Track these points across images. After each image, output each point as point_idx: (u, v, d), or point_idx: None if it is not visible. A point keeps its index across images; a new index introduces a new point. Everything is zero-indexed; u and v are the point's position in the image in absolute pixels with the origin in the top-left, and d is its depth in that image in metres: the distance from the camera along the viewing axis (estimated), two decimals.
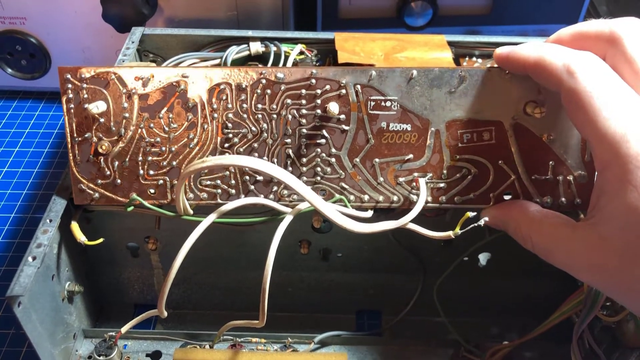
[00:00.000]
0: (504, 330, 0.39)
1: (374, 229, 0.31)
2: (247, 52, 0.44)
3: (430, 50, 0.43)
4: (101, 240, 0.33)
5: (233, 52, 0.44)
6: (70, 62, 0.53)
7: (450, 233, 0.30)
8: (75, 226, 0.33)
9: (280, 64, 0.43)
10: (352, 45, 0.43)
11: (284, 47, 0.44)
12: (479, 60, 0.44)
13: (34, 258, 0.30)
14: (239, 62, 0.44)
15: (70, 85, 0.32)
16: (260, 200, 0.32)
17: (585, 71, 0.26)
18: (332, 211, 0.30)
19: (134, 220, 0.35)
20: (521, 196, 0.32)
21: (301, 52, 0.44)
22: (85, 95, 0.32)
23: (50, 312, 0.32)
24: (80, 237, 0.32)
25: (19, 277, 0.29)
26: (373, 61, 0.41)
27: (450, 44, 0.43)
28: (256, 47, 0.44)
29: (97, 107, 0.31)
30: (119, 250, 0.37)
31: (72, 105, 0.32)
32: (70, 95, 0.32)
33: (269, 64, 0.43)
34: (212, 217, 0.31)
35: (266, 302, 0.30)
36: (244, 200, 0.32)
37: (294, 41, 0.44)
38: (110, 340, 0.35)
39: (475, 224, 0.29)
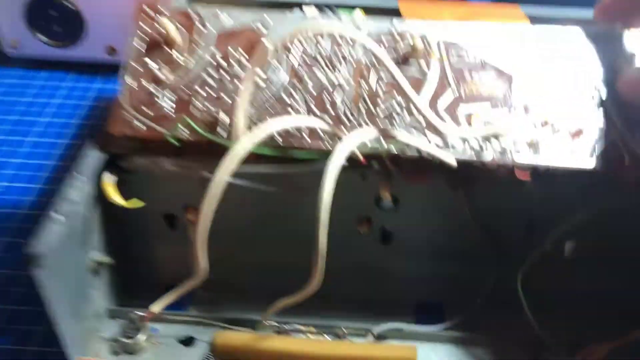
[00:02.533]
0: (594, 331, 0.32)
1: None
2: None
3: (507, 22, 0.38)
4: (142, 204, 0.29)
5: None
6: (107, 30, 0.50)
7: None
8: (108, 184, 0.29)
9: None
10: (419, 12, 0.39)
11: (341, 14, 0.40)
12: None
13: (59, 213, 0.26)
14: None
15: (144, 15, 0.32)
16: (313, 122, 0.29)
17: None
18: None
19: (174, 186, 0.31)
20: None
21: None
22: (159, 28, 0.31)
23: (74, 282, 0.28)
24: (114, 196, 0.28)
25: (41, 232, 0.25)
26: None
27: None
28: (311, 14, 0.40)
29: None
30: (155, 221, 0.33)
31: (141, 32, 0.32)
32: (143, 25, 0.32)
33: None
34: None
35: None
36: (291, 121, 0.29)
37: (352, 8, 0.41)
38: (138, 321, 0.31)
39: None
